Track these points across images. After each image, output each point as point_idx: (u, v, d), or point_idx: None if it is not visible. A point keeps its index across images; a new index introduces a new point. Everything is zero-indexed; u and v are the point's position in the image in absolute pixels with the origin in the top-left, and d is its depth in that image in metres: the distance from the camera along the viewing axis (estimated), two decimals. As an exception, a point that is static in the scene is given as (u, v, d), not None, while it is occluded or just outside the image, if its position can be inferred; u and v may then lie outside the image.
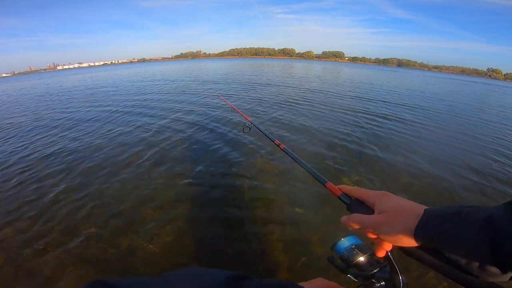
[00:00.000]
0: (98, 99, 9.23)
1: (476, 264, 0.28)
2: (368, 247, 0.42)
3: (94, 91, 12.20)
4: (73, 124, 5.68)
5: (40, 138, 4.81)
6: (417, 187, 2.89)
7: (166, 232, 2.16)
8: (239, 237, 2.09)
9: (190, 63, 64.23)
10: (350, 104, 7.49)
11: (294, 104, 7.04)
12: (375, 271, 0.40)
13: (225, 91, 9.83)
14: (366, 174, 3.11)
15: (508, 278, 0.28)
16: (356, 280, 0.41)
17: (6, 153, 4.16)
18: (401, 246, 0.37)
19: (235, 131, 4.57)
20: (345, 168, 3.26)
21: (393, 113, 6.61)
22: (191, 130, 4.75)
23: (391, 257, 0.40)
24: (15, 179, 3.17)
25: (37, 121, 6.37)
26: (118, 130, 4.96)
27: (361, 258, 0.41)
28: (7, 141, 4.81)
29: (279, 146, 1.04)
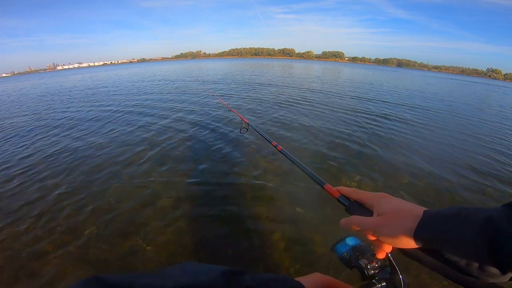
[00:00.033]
0: (99, 99, 9.24)
1: (476, 265, 0.28)
2: (368, 248, 0.42)
3: (94, 91, 12.21)
4: (73, 124, 5.68)
5: (40, 138, 4.81)
6: (418, 187, 2.90)
7: (166, 232, 2.16)
8: (239, 237, 2.09)
9: (190, 63, 64.23)
10: (350, 104, 7.50)
11: (294, 104, 7.05)
12: (375, 271, 0.40)
13: (225, 91, 9.83)
14: (367, 174, 3.12)
15: (507, 279, 0.28)
16: (356, 282, 0.41)
17: (7, 153, 4.16)
18: (401, 248, 0.37)
19: (236, 131, 4.58)
20: (346, 168, 3.26)
21: (393, 113, 6.62)
22: (192, 130, 4.75)
23: (391, 257, 0.40)
24: (16, 180, 3.17)
25: (38, 121, 6.37)
26: (118, 130, 4.96)
27: (362, 260, 0.40)
28: (7, 141, 4.81)
29: (276, 148, 1.02)
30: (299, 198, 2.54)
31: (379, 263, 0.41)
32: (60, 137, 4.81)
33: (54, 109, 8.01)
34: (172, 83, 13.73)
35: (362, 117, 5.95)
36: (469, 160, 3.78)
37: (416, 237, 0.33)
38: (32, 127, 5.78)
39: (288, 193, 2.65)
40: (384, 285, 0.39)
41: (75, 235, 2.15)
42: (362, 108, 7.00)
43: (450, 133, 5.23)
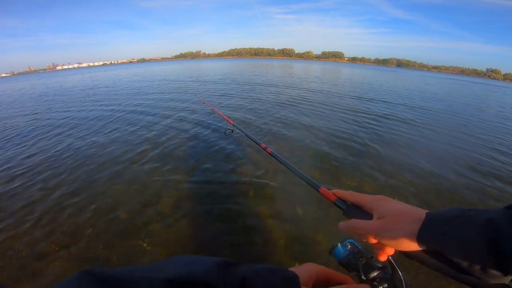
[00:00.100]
0: (98, 99, 9.23)
1: (478, 266, 0.29)
2: (367, 250, 0.42)
3: (94, 91, 12.20)
4: (74, 125, 5.68)
5: (41, 139, 4.81)
6: (418, 187, 2.90)
7: (167, 232, 2.16)
8: (240, 236, 2.09)
9: (189, 63, 64.22)
10: (350, 104, 7.51)
11: (294, 104, 7.05)
12: (376, 274, 0.40)
13: (225, 91, 9.84)
14: (368, 173, 3.12)
15: (509, 280, 0.28)
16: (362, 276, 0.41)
17: (7, 153, 4.16)
18: (403, 250, 0.37)
19: (236, 131, 4.57)
20: (346, 168, 3.27)
21: (394, 113, 6.62)
22: (193, 130, 4.76)
23: (391, 259, 0.40)
24: (17, 180, 3.17)
25: (38, 121, 6.36)
26: (119, 131, 4.96)
27: (362, 262, 0.40)
28: (8, 141, 4.80)
29: (265, 150, 0.96)
30: (299, 197, 2.54)
31: (379, 265, 0.41)
32: (61, 137, 4.81)
33: (54, 109, 8.00)
34: (172, 83, 13.73)
35: (362, 117, 5.96)
36: (470, 160, 3.79)
37: (419, 239, 0.33)
38: (32, 127, 5.77)
39: (289, 192, 2.66)
40: (385, 286, 0.39)
41: (76, 235, 2.15)
42: (362, 108, 7.00)
43: (450, 133, 5.24)
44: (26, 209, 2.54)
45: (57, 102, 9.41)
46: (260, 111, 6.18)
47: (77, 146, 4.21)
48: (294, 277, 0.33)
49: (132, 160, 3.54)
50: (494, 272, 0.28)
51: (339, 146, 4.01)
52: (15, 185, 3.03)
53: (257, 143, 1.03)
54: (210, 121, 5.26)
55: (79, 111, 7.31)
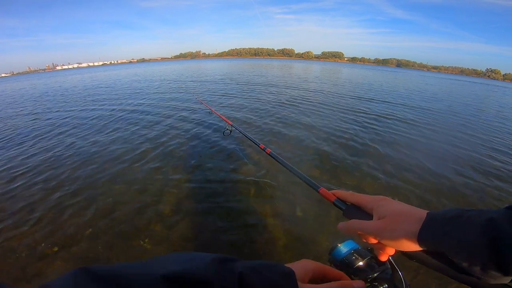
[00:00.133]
0: (99, 99, 9.22)
1: (478, 266, 0.29)
2: (367, 251, 0.42)
3: (94, 91, 12.19)
4: (75, 125, 5.68)
5: (41, 139, 4.80)
6: (419, 186, 2.89)
7: (167, 232, 2.16)
8: (240, 236, 2.10)
9: (189, 63, 64.21)
10: (350, 104, 7.51)
11: (294, 104, 7.06)
12: (376, 274, 0.40)
13: (226, 91, 9.84)
14: (368, 173, 3.13)
15: (509, 280, 0.28)
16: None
17: (8, 153, 4.16)
18: (403, 250, 0.37)
19: (237, 131, 4.57)
20: (347, 167, 3.27)
21: (394, 113, 6.63)
22: (194, 130, 4.76)
23: (391, 259, 0.40)
24: (18, 180, 3.17)
25: (38, 121, 6.36)
26: (119, 131, 4.96)
27: (361, 263, 0.40)
28: (9, 142, 4.80)
29: (264, 151, 0.96)
30: (300, 197, 2.54)
31: (380, 266, 0.41)
32: (61, 137, 4.81)
33: (54, 109, 7.99)
34: (173, 83, 13.74)
35: (362, 117, 5.96)
36: (470, 160, 3.79)
37: (419, 239, 0.34)
38: (32, 127, 5.77)
39: (289, 192, 2.66)
40: (385, 286, 0.39)
41: (76, 236, 2.15)
42: (362, 108, 7.01)
43: (450, 133, 5.25)
44: (26, 210, 2.54)
45: (58, 102, 9.41)
46: (261, 111, 6.18)
47: (78, 146, 4.21)
48: (291, 273, 0.33)
49: (132, 160, 3.54)
50: (494, 272, 0.28)
51: (339, 146, 4.02)
52: (16, 185, 3.03)
53: (256, 144, 1.02)
54: (211, 121, 5.26)
55: (80, 111, 7.31)
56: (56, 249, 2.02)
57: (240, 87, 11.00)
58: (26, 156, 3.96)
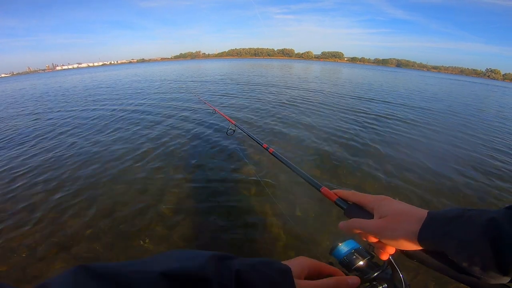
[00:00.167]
0: (100, 99, 9.21)
1: (478, 266, 0.29)
2: (368, 251, 0.42)
3: (95, 91, 12.19)
4: (76, 125, 5.67)
5: (42, 139, 4.80)
6: (420, 186, 2.89)
7: (168, 232, 2.16)
8: (240, 235, 2.10)
9: (189, 63, 64.24)
10: (350, 104, 7.51)
11: (294, 104, 7.06)
12: (376, 274, 0.40)
13: (225, 91, 9.84)
14: (369, 173, 3.13)
15: (509, 280, 0.28)
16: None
17: (9, 154, 4.15)
18: (403, 250, 0.37)
19: (238, 130, 4.57)
20: (347, 167, 3.27)
21: (394, 113, 6.63)
22: (195, 130, 4.76)
23: (391, 259, 0.40)
24: (18, 181, 3.16)
25: (39, 121, 6.35)
26: (120, 131, 4.96)
27: (361, 262, 0.41)
28: (10, 142, 4.80)
29: (267, 150, 0.96)
30: (301, 197, 2.54)
31: (380, 266, 0.41)
32: (62, 137, 4.81)
33: (56, 109, 7.99)
34: (173, 83, 13.74)
35: (362, 117, 5.97)
36: (470, 160, 3.79)
37: (420, 238, 0.34)
38: (33, 127, 5.77)
39: (290, 192, 2.66)
40: (385, 286, 0.40)
41: (77, 236, 2.15)
42: (362, 108, 7.01)
43: (450, 133, 5.25)
44: (27, 210, 2.54)
45: (59, 102, 9.41)
46: (261, 111, 6.18)
47: (79, 146, 4.21)
48: (287, 270, 0.33)
49: (133, 160, 3.54)
50: (494, 272, 0.28)
51: (339, 145, 4.02)
52: (17, 186, 3.03)
53: (259, 143, 1.03)
54: (211, 121, 5.26)
55: (81, 111, 7.30)
56: (56, 249, 2.02)
57: (241, 87, 11.00)
58: (27, 156, 3.96)
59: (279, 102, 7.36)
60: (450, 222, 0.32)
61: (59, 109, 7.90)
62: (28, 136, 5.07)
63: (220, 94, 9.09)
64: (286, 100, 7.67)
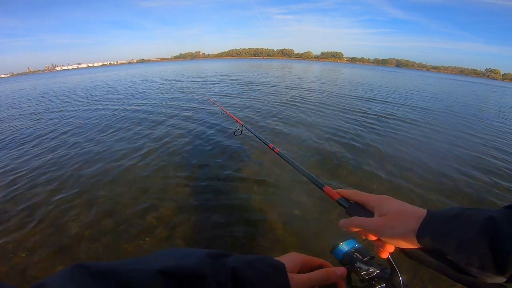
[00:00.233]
0: (101, 99, 9.21)
1: (476, 265, 0.29)
2: (368, 250, 0.43)
3: (95, 91, 12.19)
4: (77, 125, 5.66)
5: (43, 139, 4.79)
6: (421, 186, 2.89)
7: (169, 233, 2.16)
8: (241, 234, 2.09)
9: (189, 63, 64.26)
10: (350, 104, 7.51)
11: (294, 104, 7.06)
12: (375, 273, 0.41)
13: (226, 91, 9.84)
14: (369, 172, 3.13)
15: (506, 279, 0.28)
16: (356, 283, 0.42)
17: (9, 154, 4.14)
18: (402, 248, 0.37)
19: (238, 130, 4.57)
20: (348, 167, 3.27)
21: (394, 113, 6.63)
22: (195, 131, 4.75)
23: (391, 259, 0.41)
24: (18, 181, 3.16)
25: (40, 122, 6.34)
26: (122, 131, 4.95)
27: (362, 262, 0.41)
28: (10, 142, 4.79)
29: (273, 150, 1.01)
30: (304, 196, 2.54)
31: (379, 265, 0.42)
32: (63, 137, 4.80)
33: (57, 109, 7.98)
34: (174, 83, 13.73)
35: (362, 116, 5.97)
36: (471, 159, 3.79)
37: (419, 237, 0.34)
38: (34, 128, 5.75)
39: (293, 191, 2.65)
40: (383, 286, 0.40)
41: (77, 237, 2.14)
42: (362, 108, 7.01)
43: (451, 133, 5.25)
44: (28, 210, 2.53)
45: (60, 103, 9.39)
46: (262, 111, 6.19)
47: (81, 147, 4.20)
48: (282, 265, 0.34)
49: (135, 160, 3.53)
50: (491, 271, 0.28)
51: (340, 145, 4.01)
52: (17, 186, 3.02)
53: (265, 143, 1.07)
54: (213, 121, 5.26)
55: (82, 111, 7.30)
56: (57, 250, 2.02)
57: (241, 87, 11.00)
58: (29, 156, 3.95)
59: (279, 102, 7.36)
60: (449, 221, 0.32)
61: (60, 109, 7.90)
62: (29, 136, 5.06)
63: (221, 95, 9.09)
64: (287, 100, 7.67)
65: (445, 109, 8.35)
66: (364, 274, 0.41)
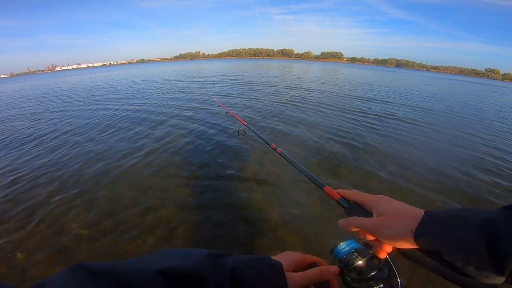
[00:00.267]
0: (102, 99, 9.20)
1: (474, 265, 0.29)
2: (367, 251, 0.43)
3: (96, 92, 12.18)
4: (79, 125, 5.66)
5: (44, 140, 4.78)
6: (420, 185, 2.89)
7: (168, 233, 2.16)
8: (242, 235, 2.09)
9: (189, 64, 64.25)
10: (350, 104, 7.52)
11: (294, 104, 7.06)
12: (373, 273, 0.41)
13: (226, 92, 9.85)
14: (369, 172, 3.13)
15: (504, 280, 0.28)
16: (354, 284, 0.42)
17: (10, 155, 4.14)
18: (400, 248, 0.37)
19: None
20: (348, 166, 3.27)
21: (394, 113, 6.63)
22: (196, 131, 4.75)
23: (389, 259, 0.41)
24: (19, 182, 3.15)
25: (41, 122, 6.33)
26: (123, 131, 4.94)
27: (360, 262, 0.41)
28: (11, 142, 4.78)
29: (275, 150, 1.03)
30: (304, 196, 2.54)
31: (378, 265, 0.42)
32: (64, 138, 4.79)
33: (58, 109, 7.97)
34: (174, 83, 13.73)
35: (362, 116, 5.97)
36: (471, 159, 3.80)
37: (416, 237, 0.34)
38: (36, 128, 5.75)
39: (294, 191, 2.66)
40: (381, 286, 0.40)
41: (77, 238, 2.14)
42: (362, 108, 7.01)
43: (451, 132, 5.25)
44: (27, 211, 2.53)
45: (61, 103, 9.39)
46: (263, 111, 6.19)
47: (81, 147, 4.20)
48: (279, 265, 0.35)
49: (136, 161, 3.53)
50: (489, 271, 0.28)
51: (340, 145, 4.01)
52: (17, 186, 3.02)
53: (267, 144, 1.10)
54: (214, 121, 5.26)
55: (84, 111, 7.29)
56: (56, 250, 2.02)
57: (241, 87, 11.00)
58: (29, 157, 3.94)
59: (280, 102, 7.36)
60: (447, 221, 0.32)
61: (61, 109, 7.90)
62: (29, 136, 5.06)
63: (221, 95, 9.08)
64: (287, 100, 7.67)
65: (445, 109, 8.35)
66: (362, 274, 0.41)
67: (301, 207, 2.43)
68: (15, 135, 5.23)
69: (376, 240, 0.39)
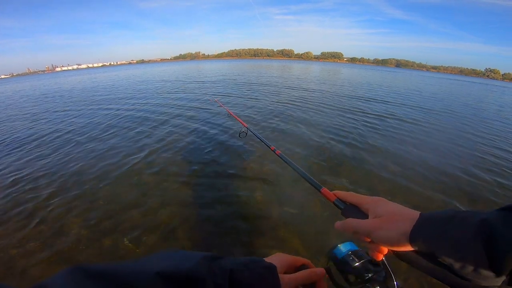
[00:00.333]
0: (102, 100, 9.20)
1: (470, 267, 0.29)
2: (365, 253, 0.43)
3: (97, 92, 12.18)
4: (79, 125, 5.66)
5: (44, 140, 4.78)
6: (420, 185, 2.89)
7: (169, 233, 2.15)
8: (242, 235, 2.09)
9: (189, 64, 64.28)
10: (350, 104, 7.52)
11: (294, 104, 7.06)
12: (370, 276, 0.41)
13: (227, 92, 9.85)
14: (369, 172, 3.12)
15: (501, 282, 0.28)
16: (351, 286, 0.42)
17: (10, 155, 4.14)
18: (396, 251, 0.37)
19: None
20: (348, 166, 3.26)
21: (394, 113, 6.64)
22: (196, 132, 4.75)
23: (385, 261, 0.41)
24: (19, 183, 3.15)
25: (42, 122, 6.34)
26: (124, 132, 4.94)
27: (357, 264, 0.41)
28: (11, 142, 4.79)
29: (274, 152, 1.04)
30: (302, 197, 2.54)
31: (374, 268, 0.42)
32: (65, 138, 4.79)
33: (59, 109, 7.97)
34: (173, 83, 13.74)
35: (363, 116, 5.97)
36: (472, 158, 3.79)
37: (411, 239, 0.34)
38: (37, 128, 5.75)
39: (292, 192, 2.65)
40: None
41: (77, 240, 2.14)
42: (362, 108, 7.01)
43: (452, 132, 5.25)
44: (27, 212, 2.53)
45: (63, 103, 9.38)
46: (263, 111, 6.19)
47: (81, 147, 4.20)
48: (273, 267, 0.36)
49: (137, 160, 3.53)
50: (486, 273, 0.28)
51: (340, 144, 4.01)
52: (17, 187, 3.02)
53: (267, 145, 1.11)
54: (215, 122, 5.26)
55: (85, 111, 7.29)
56: (56, 251, 2.01)
57: (242, 88, 11.01)
58: (30, 157, 3.95)
59: (280, 102, 7.36)
60: (443, 223, 0.32)
61: (64, 109, 7.91)
62: (30, 137, 5.06)
63: (221, 95, 9.08)
64: (287, 101, 7.67)
65: (445, 108, 8.35)
66: (359, 276, 0.41)
67: (301, 207, 2.43)
68: (15, 136, 5.23)
69: (372, 242, 0.39)
